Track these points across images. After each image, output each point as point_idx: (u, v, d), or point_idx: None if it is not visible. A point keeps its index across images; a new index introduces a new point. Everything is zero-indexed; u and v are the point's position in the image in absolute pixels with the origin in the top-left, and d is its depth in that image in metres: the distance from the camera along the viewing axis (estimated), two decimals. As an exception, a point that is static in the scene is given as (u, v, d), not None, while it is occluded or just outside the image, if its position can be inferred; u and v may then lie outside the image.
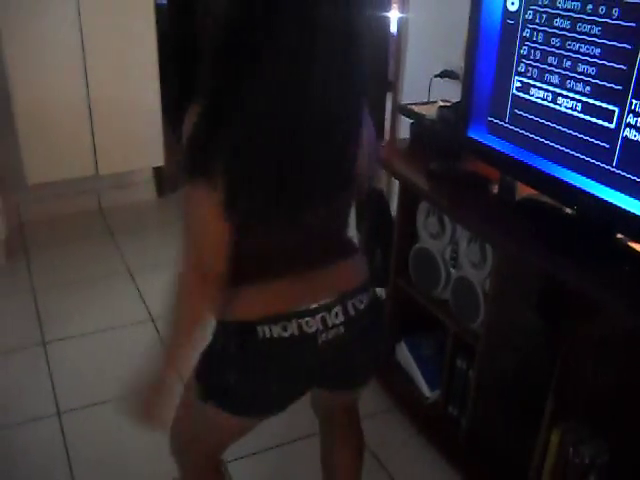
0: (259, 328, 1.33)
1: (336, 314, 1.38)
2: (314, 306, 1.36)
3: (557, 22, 1.69)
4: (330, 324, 1.37)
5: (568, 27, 1.66)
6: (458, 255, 2.16)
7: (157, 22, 3.76)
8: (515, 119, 1.88)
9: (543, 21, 1.73)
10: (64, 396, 2.57)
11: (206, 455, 1.65)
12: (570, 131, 1.71)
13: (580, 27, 1.62)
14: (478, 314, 2.05)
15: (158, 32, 3.77)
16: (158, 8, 3.80)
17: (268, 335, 1.33)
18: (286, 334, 1.34)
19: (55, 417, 2.46)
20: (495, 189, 2.03)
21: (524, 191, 1.95)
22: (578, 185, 1.71)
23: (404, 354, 2.50)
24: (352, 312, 1.41)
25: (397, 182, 2.33)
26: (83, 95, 3.66)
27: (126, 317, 3.08)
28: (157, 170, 4.23)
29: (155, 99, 3.82)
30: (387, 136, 3.29)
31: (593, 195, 1.68)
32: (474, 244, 2.06)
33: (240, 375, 1.39)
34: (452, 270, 2.20)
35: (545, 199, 1.89)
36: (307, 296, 1.37)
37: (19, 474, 2.25)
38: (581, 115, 1.67)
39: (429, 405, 2.40)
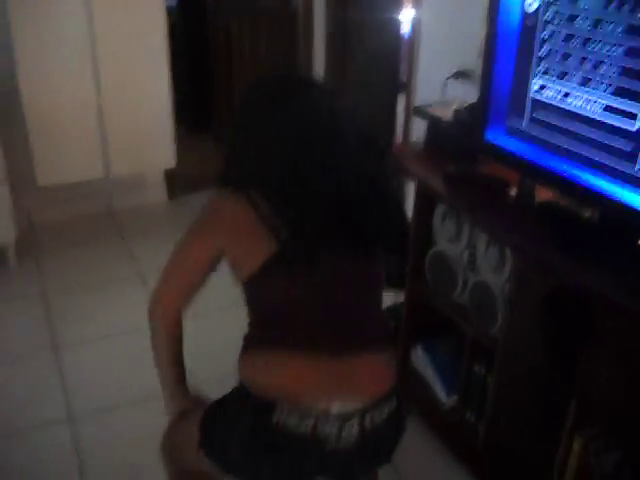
0: (277, 412, 1.33)
1: (352, 426, 1.37)
2: (335, 411, 1.35)
3: (578, 23, 1.66)
4: (344, 434, 1.36)
5: (589, 27, 1.63)
6: (476, 259, 2.13)
7: (169, 24, 3.77)
8: (534, 121, 1.85)
9: (563, 22, 1.70)
10: (76, 401, 2.55)
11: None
12: (591, 133, 1.68)
13: (602, 27, 1.59)
14: (497, 319, 2.01)
15: (169, 35, 3.77)
16: (169, 9, 3.82)
17: (282, 424, 1.33)
18: (299, 430, 1.34)
19: (67, 423, 2.45)
20: (514, 192, 2.00)
21: (543, 194, 1.92)
22: (599, 188, 1.68)
23: (420, 359, 2.46)
24: (369, 426, 1.39)
25: (412, 184, 2.31)
26: (94, 97, 3.66)
27: (138, 321, 3.03)
28: (168, 172, 4.21)
29: (166, 101, 3.81)
30: (400, 137, 3.26)
31: (615, 199, 1.64)
32: (493, 248, 2.02)
33: (241, 452, 1.40)
34: (470, 274, 2.17)
35: (565, 202, 1.86)
36: (331, 391, 1.36)
37: (31, 480, 2.24)
38: (602, 117, 1.64)
39: (446, 411, 2.37)
